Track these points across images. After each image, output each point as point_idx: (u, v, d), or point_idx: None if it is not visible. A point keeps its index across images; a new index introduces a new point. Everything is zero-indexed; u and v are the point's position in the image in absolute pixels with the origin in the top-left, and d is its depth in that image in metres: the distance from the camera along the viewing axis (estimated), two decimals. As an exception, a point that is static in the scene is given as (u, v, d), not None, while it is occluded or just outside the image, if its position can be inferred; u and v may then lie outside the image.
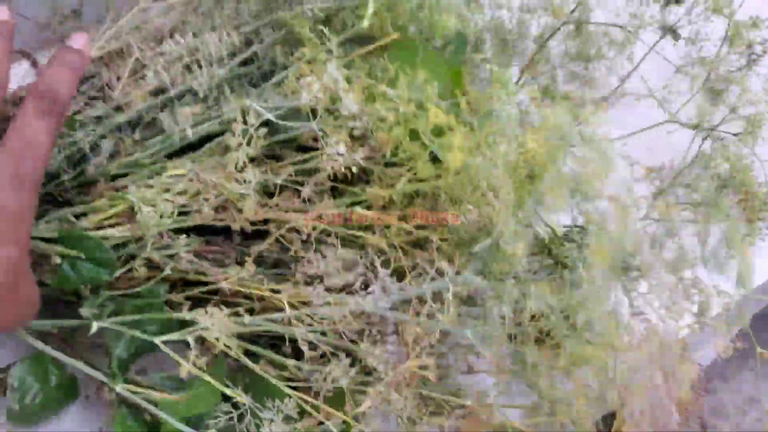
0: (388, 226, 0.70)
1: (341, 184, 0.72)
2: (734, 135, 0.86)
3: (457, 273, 0.66)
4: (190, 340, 0.66)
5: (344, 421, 0.68)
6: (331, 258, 0.70)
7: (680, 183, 0.81)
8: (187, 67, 0.72)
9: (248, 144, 0.66)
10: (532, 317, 0.66)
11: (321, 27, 0.71)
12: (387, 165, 0.70)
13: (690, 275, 0.72)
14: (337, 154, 0.64)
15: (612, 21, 0.88)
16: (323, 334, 0.69)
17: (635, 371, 0.65)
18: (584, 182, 0.65)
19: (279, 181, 0.70)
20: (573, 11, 0.83)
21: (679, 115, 0.87)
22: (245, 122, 0.67)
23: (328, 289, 0.69)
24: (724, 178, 0.84)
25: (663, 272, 0.69)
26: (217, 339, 0.66)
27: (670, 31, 0.89)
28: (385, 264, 0.68)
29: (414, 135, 0.67)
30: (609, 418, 0.69)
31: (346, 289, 0.69)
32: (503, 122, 0.64)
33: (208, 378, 0.67)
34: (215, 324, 0.66)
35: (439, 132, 0.65)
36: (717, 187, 0.80)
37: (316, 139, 0.69)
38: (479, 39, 0.82)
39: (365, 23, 0.71)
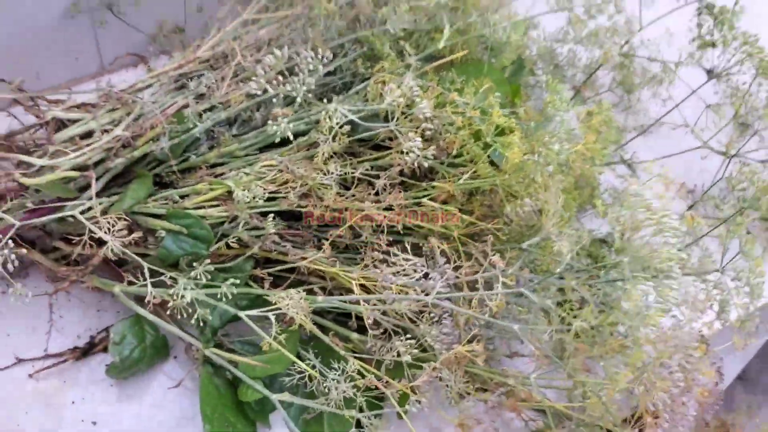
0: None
1: (410, 180, 0.75)
2: (760, 162, 0.86)
3: (507, 265, 0.67)
4: (272, 317, 0.68)
5: (401, 391, 0.68)
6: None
7: (709, 201, 0.80)
8: (281, 74, 0.74)
9: (333, 140, 0.68)
10: (572, 310, 0.66)
11: (401, 43, 0.73)
12: (450, 165, 0.73)
13: (713, 279, 0.72)
14: (415, 149, 0.67)
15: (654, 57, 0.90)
16: (384, 313, 0.70)
17: (659, 364, 0.65)
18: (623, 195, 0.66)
19: (357, 174, 0.73)
20: (623, 46, 0.84)
21: (710, 142, 0.87)
22: (333, 128, 0.69)
23: (394, 273, 0.70)
24: (749, 199, 0.84)
25: (689, 276, 0.69)
26: (293, 317, 0.68)
27: (706, 71, 0.90)
28: (444, 254, 0.69)
29: (477, 138, 0.70)
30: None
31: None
32: (558, 125, 0.65)
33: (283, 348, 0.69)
34: (294, 302, 0.68)
35: (500, 133, 0.68)
36: (740, 206, 0.80)
37: (390, 139, 0.74)
38: (535, 65, 0.83)
39: (441, 44, 0.72)
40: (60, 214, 0.73)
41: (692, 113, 0.94)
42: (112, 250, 0.72)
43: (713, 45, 0.88)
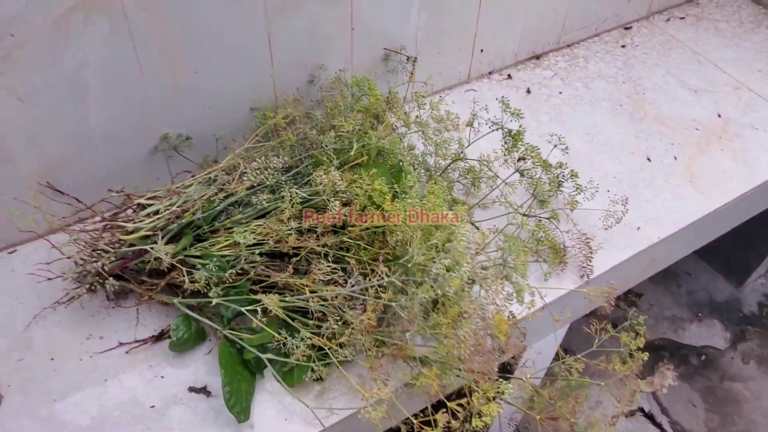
0: (360, 249, 0.89)
1: (338, 229, 0.91)
2: (547, 218, 1.04)
3: (393, 274, 0.85)
4: (258, 309, 0.84)
5: (336, 349, 0.84)
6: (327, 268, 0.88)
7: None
8: (264, 176, 0.94)
9: (291, 207, 0.88)
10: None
11: (331, 155, 0.93)
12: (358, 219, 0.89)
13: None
14: (335, 207, 0.84)
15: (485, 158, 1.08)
16: (324, 302, 0.85)
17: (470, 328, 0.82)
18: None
19: (306, 226, 0.89)
20: (460, 154, 1.02)
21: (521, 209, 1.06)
22: (291, 199, 0.88)
23: (328, 283, 0.88)
24: (540, 239, 1.03)
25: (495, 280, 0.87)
26: (271, 310, 0.83)
27: (518, 171, 1.09)
28: (357, 268, 0.87)
29: (372, 203, 0.88)
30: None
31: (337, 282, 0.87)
32: (411, 189, 0.83)
33: (266, 328, 0.85)
34: (271, 301, 0.84)
35: (383, 198, 0.85)
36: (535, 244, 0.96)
37: (325, 208, 0.90)
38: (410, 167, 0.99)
39: (352, 153, 0.93)
40: (142, 258, 0.89)
41: (514, 194, 1.12)
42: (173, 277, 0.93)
43: (523, 159, 1.04)
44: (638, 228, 1.15)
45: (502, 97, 1.03)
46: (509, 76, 1.43)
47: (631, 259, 1.11)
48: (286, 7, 1.02)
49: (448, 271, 0.77)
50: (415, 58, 1.21)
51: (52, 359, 0.90)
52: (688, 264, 2.06)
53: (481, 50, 1.36)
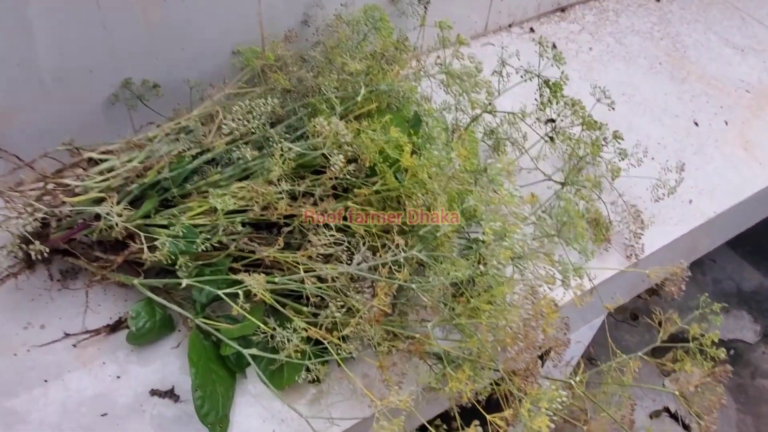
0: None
1: (341, 193, 0.74)
2: (584, 187, 0.88)
3: (410, 248, 0.68)
4: (240, 293, 0.67)
5: (337, 343, 0.67)
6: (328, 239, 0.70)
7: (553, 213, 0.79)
8: (252, 131, 0.76)
9: (283, 164, 0.70)
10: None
11: (332, 101, 0.76)
12: (366, 179, 0.72)
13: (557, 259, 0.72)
14: (338, 163, 0.67)
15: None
16: (322, 282, 0.69)
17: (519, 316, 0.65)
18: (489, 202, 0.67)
19: (301, 189, 0.72)
20: (488, 106, 0.85)
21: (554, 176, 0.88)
22: (282, 154, 0.71)
23: (328, 259, 0.71)
24: (582, 213, 0.86)
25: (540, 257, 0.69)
26: (256, 293, 0.67)
27: (549, 120, 0.91)
28: (364, 241, 0.70)
29: (385, 159, 0.71)
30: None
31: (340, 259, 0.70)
32: (436, 137, 0.66)
33: (250, 317, 0.68)
34: (256, 282, 0.67)
35: (400, 151, 0.67)
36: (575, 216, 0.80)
37: (325, 166, 0.72)
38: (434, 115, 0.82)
39: (359, 98, 0.75)
40: (92, 228, 0.71)
41: (544, 163, 0.95)
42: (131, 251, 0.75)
43: (549, 104, 0.87)
44: (690, 201, 0.98)
45: (540, 37, 0.85)
46: (531, 30, 1.25)
47: (684, 237, 0.94)
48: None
49: (496, 239, 0.59)
50: (428, 1, 1.03)
51: (-21, 353, 0.72)
52: (712, 251, 1.90)
53: (501, -3, 1.19)
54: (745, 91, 1.19)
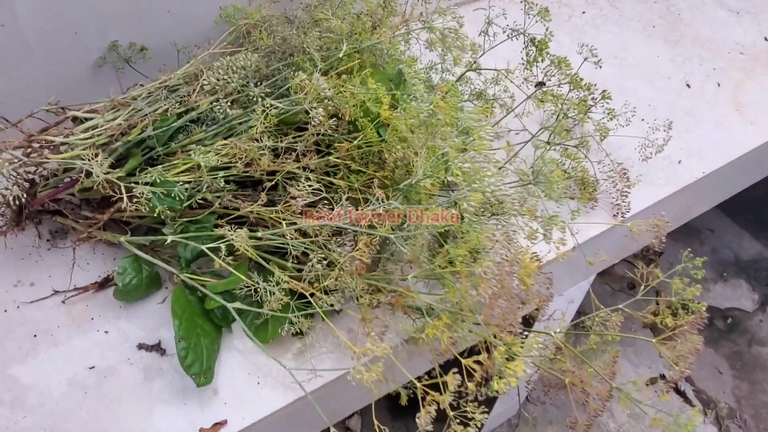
0: (350, 172, 0.72)
1: (323, 149, 0.75)
2: (574, 147, 0.88)
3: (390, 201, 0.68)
4: (222, 247, 0.68)
5: (320, 296, 0.68)
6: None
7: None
8: (237, 91, 0.77)
9: (265, 119, 0.71)
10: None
11: (315, 59, 0.76)
12: (349, 133, 0.72)
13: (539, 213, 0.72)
14: (319, 116, 0.67)
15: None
16: (305, 236, 0.69)
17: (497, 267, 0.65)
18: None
19: (283, 145, 0.72)
20: (473, 63, 0.85)
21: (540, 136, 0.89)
22: (264, 110, 0.71)
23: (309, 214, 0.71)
24: (568, 172, 0.86)
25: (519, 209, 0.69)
26: (239, 247, 0.67)
27: (538, 83, 0.91)
28: (345, 195, 0.70)
29: (365, 114, 0.71)
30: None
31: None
32: (414, 89, 0.66)
33: (234, 271, 0.69)
34: (239, 237, 0.67)
35: (380, 105, 0.67)
36: (561, 172, 0.79)
37: (307, 123, 0.73)
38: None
39: (340, 54, 0.75)
40: (80, 185, 0.72)
41: (529, 121, 0.95)
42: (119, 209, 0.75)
43: (536, 61, 0.86)
44: (679, 161, 0.98)
45: None
46: (524, -6, 1.24)
47: (672, 197, 0.95)
48: None
49: (466, 182, 0.59)
50: (417, -37, 1.03)
51: (-30, 310, 0.73)
52: (710, 220, 1.90)
53: (493, -40, 1.18)
54: (738, 53, 1.18)
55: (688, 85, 1.11)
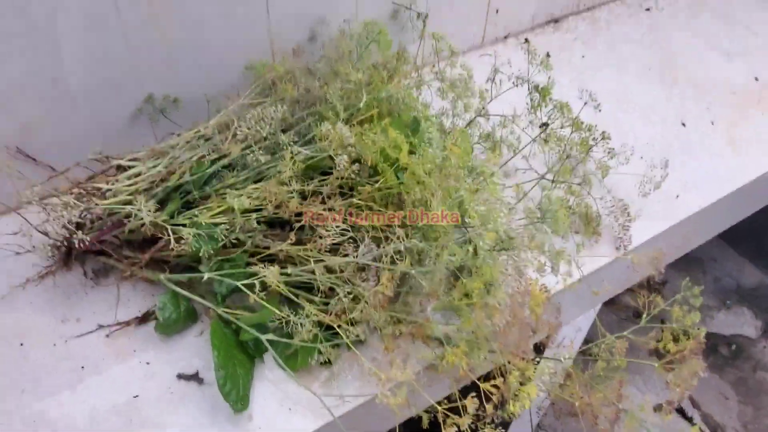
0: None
1: (347, 192, 0.80)
2: (577, 184, 0.94)
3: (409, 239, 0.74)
4: (256, 283, 0.73)
5: (346, 327, 0.73)
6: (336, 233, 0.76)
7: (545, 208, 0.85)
8: (264, 138, 0.83)
9: (293, 166, 0.77)
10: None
11: (337, 108, 0.82)
12: (370, 177, 0.78)
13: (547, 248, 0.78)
14: (343, 162, 0.74)
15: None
16: (330, 272, 0.74)
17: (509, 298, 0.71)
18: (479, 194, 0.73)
19: (310, 189, 0.78)
20: (482, 110, 0.91)
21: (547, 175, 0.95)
22: (292, 156, 0.78)
23: (335, 251, 0.77)
24: (573, 209, 0.92)
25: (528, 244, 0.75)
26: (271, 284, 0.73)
27: (543, 125, 0.98)
28: (368, 233, 0.76)
29: (386, 160, 0.77)
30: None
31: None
32: (429, 136, 0.73)
33: (267, 305, 0.74)
34: (271, 274, 0.73)
35: (399, 150, 0.73)
36: (566, 210, 0.85)
37: (332, 168, 0.79)
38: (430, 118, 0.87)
39: (361, 104, 0.82)
40: (123, 228, 0.78)
41: (535, 161, 1.01)
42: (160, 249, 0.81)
43: (539, 106, 0.93)
44: (677, 196, 1.04)
45: (525, 39, 0.92)
46: (526, 40, 1.32)
47: (671, 230, 1.00)
48: (284, -50, 0.91)
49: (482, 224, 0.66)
50: (426, 15, 1.11)
51: (21, 345, 0.79)
52: (712, 249, 1.95)
53: (497, 11, 1.26)
54: (731, 93, 1.25)
55: (684, 124, 1.17)
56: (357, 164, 0.76)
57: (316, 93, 0.87)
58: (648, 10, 1.45)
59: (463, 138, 0.77)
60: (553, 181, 0.94)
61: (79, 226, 0.81)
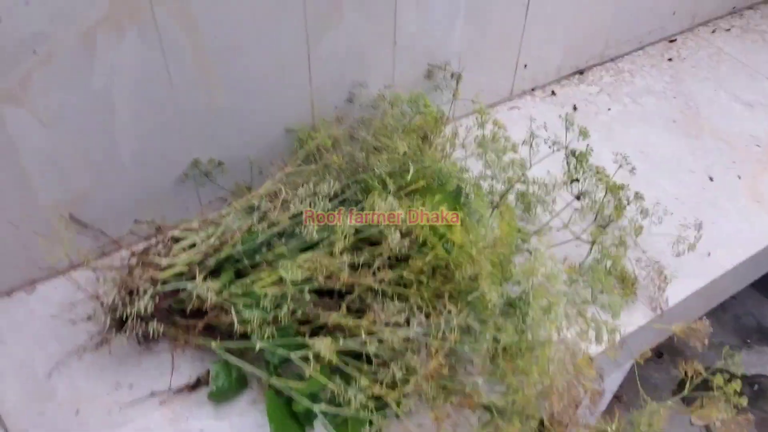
0: (421, 285, 0.80)
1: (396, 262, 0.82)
2: (615, 246, 0.95)
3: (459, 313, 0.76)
4: (310, 355, 0.75)
5: (397, 399, 0.74)
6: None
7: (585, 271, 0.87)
8: (311, 204, 0.85)
9: (345, 239, 0.79)
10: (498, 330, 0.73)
11: (384, 179, 0.84)
12: (419, 250, 0.80)
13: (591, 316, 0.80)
14: (396, 239, 0.76)
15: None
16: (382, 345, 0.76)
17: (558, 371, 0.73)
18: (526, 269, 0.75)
19: (360, 261, 0.80)
20: (520, 178, 0.93)
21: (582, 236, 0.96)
22: (343, 230, 0.79)
23: (386, 324, 0.79)
24: (610, 269, 0.93)
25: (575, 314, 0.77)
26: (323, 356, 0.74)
27: (575, 196, 1.00)
28: (419, 308, 0.78)
29: (434, 233, 0.79)
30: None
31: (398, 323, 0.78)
32: (480, 215, 0.75)
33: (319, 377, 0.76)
34: (324, 346, 0.74)
35: (447, 228, 0.76)
36: (606, 273, 0.88)
37: (380, 240, 0.81)
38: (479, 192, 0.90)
39: (408, 177, 0.84)
40: (177, 297, 0.81)
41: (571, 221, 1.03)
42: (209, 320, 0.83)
43: (577, 180, 0.95)
44: (708, 254, 1.06)
45: (552, 92, 0.94)
46: (553, 93, 1.35)
47: (704, 288, 1.02)
48: (327, 22, 0.94)
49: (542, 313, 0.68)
50: (460, 75, 1.13)
51: (77, 412, 0.80)
52: (731, 289, 1.96)
53: (525, 65, 1.28)
54: (755, 146, 1.27)
55: (711, 178, 1.19)
56: (407, 237, 0.77)
57: (360, 161, 0.89)
58: (670, 60, 1.48)
59: (510, 215, 0.79)
60: (591, 243, 0.95)
61: (131, 293, 0.82)
